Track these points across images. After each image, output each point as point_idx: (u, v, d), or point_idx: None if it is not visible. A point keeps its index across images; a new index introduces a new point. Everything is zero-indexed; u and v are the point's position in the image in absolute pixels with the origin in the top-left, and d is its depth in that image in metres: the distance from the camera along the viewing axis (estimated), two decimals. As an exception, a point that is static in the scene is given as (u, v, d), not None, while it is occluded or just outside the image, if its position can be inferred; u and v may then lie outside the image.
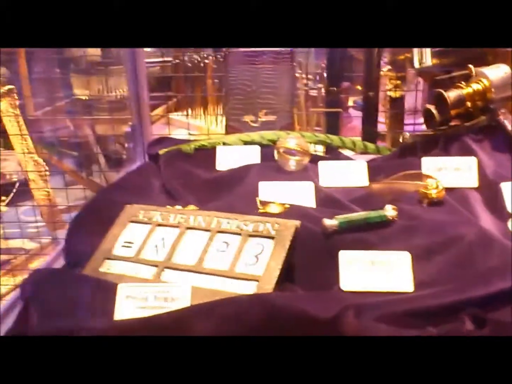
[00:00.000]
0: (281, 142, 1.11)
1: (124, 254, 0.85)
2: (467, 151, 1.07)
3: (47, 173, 1.88)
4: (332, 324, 0.64)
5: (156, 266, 0.81)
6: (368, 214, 0.84)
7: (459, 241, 0.79)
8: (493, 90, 1.10)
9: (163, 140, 1.34)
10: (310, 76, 2.15)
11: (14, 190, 2.15)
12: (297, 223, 0.82)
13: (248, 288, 0.74)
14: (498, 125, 1.13)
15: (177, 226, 0.87)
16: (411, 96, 1.95)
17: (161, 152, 1.23)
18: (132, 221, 0.90)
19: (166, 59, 2.63)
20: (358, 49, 1.76)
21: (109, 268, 0.83)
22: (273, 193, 0.98)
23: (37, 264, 1.92)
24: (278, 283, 0.74)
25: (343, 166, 1.10)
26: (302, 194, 0.98)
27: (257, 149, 1.18)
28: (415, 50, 1.53)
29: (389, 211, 0.84)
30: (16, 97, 1.84)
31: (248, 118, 1.30)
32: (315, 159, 1.13)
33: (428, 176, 0.96)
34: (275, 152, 1.10)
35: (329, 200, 0.97)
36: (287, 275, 0.77)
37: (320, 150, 1.34)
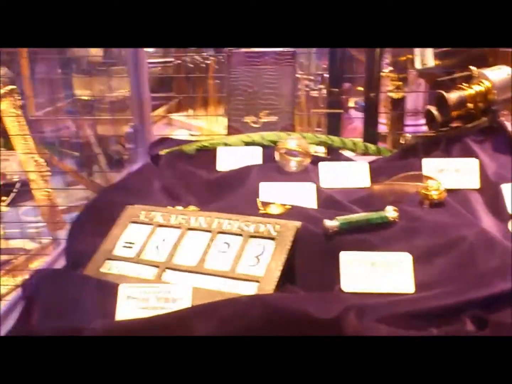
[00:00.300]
0: (282, 143, 1.11)
1: (125, 254, 0.85)
2: (468, 153, 1.07)
3: (48, 173, 1.88)
4: (333, 325, 0.64)
5: (157, 266, 0.81)
6: (369, 215, 0.84)
7: (460, 243, 0.79)
8: (494, 91, 1.10)
9: (164, 141, 1.34)
10: (311, 77, 2.16)
11: (15, 190, 2.15)
12: (298, 224, 0.82)
13: (249, 289, 0.74)
14: (500, 126, 1.13)
15: (178, 227, 0.87)
16: (413, 97, 1.95)
17: (162, 152, 1.23)
18: (133, 222, 0.90)
19: (167, 59, 2.64)
20: (360, 50, 1.76)
21: (110, 268, 0.83)
22: (274, 194, 0.98)
23: (37, 264, 1.92)
24: (279, 284, 0.74)
25: (345, 167, 1.10)
26: (303, 195, 0.98)
27: (259, 150, 1.18)
28: (417, 51, 1.53)
29: (390, 212, 0.84)
30: (18, 97, 1.84)
31: (249, 119, 1.30)
32: (316, 160, 1.13)
33: (429, 178, 0.96)
34: (276, 153, 1.10)
35: (330, 201, 0.97)
36: (288, 276, 0.77)
37: (321, 151, 1.34)
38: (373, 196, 1.01)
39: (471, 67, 1.14)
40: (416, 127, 1.97)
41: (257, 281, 0.75)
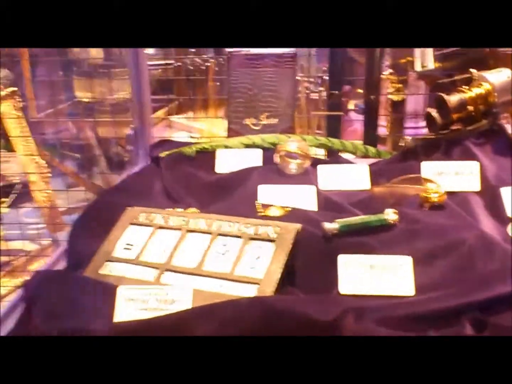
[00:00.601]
0: (282, 145, 1.11)
1: (125, 256, 0.85)
2: (468, 155, 1.07)
3: (49, 174, 1.88)
4: (333, 328, 0.64)
5: (156, 268, 0.81)
6: (368, 218, 0.84)
7: (459, 246, 0.79)
8: (495, 94, 1.10)
9: (165, 143, 1.34)
10: (311, 80, 2.16)
11: (16, 192, 2.15)
12: (298, 226, 0.82)
13: (248, 291, 0.74)
14: (500, 129, 1.13)
15: (178, 229, 0.87)
16: (413, 99, 1.95)
17: (162, 154, 1.23)
18: (133, 224, 0.90)
19: (168, 61, 2.64)
20: (360, 53, 1.76)
21: (110, 270, 0.83)
22: (274, 196, 0.98)
23: (37, 265, 1.91)
24: (278, 286, 0.74)
25: (345, 170, 1.10)
26: (303, 197, 0.98)
27: (259, 152, 1.18)
28: (417, 54, 1.53)
29: (390, 215, 0.84)
30: (19, 99, 1.84)
31: (249, 121, 1.30)
32: (316, 162, 1.13)
33: (429, 180, 0.97)
34: (276, 155, 1.10)
35: (330, 204, 0.97)
36: (288, 278, 0.77)
37: (321, 153, 1.34)
38: (373, 198, 1.01)
39: (471, 70, 1.14)
40: (416, 129, 1.96)
41: (257, 283, 0.75)
